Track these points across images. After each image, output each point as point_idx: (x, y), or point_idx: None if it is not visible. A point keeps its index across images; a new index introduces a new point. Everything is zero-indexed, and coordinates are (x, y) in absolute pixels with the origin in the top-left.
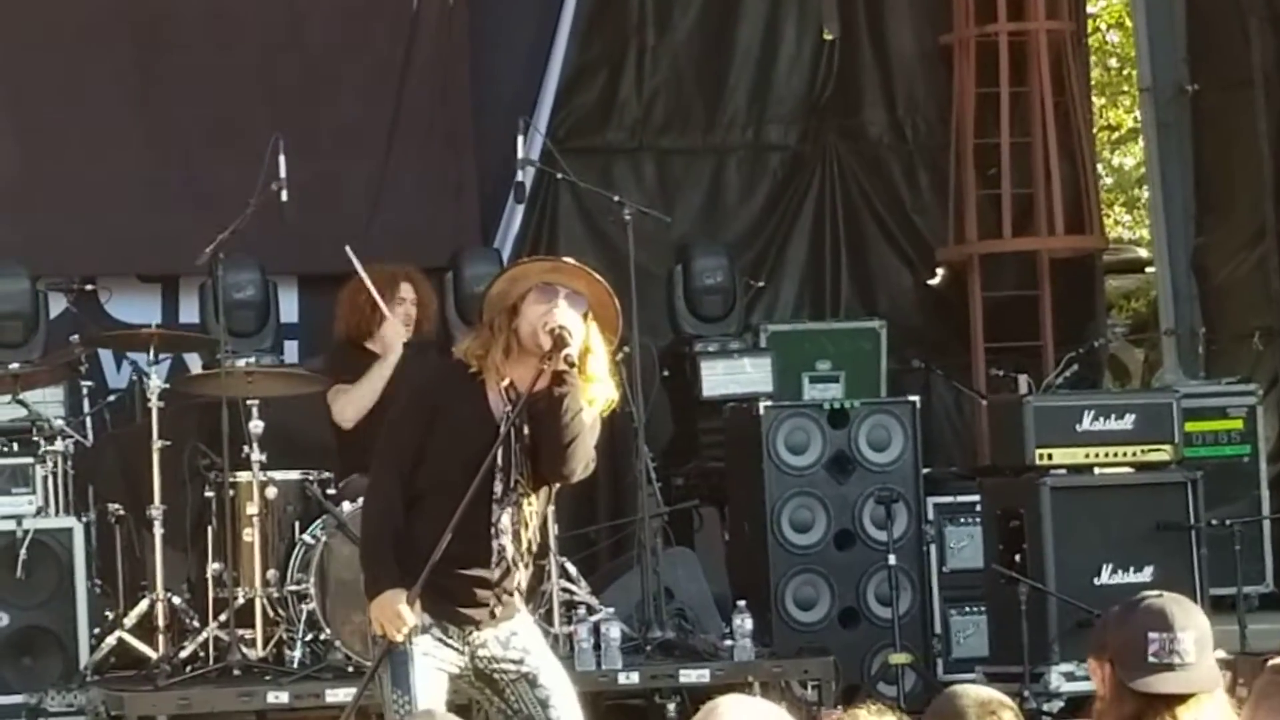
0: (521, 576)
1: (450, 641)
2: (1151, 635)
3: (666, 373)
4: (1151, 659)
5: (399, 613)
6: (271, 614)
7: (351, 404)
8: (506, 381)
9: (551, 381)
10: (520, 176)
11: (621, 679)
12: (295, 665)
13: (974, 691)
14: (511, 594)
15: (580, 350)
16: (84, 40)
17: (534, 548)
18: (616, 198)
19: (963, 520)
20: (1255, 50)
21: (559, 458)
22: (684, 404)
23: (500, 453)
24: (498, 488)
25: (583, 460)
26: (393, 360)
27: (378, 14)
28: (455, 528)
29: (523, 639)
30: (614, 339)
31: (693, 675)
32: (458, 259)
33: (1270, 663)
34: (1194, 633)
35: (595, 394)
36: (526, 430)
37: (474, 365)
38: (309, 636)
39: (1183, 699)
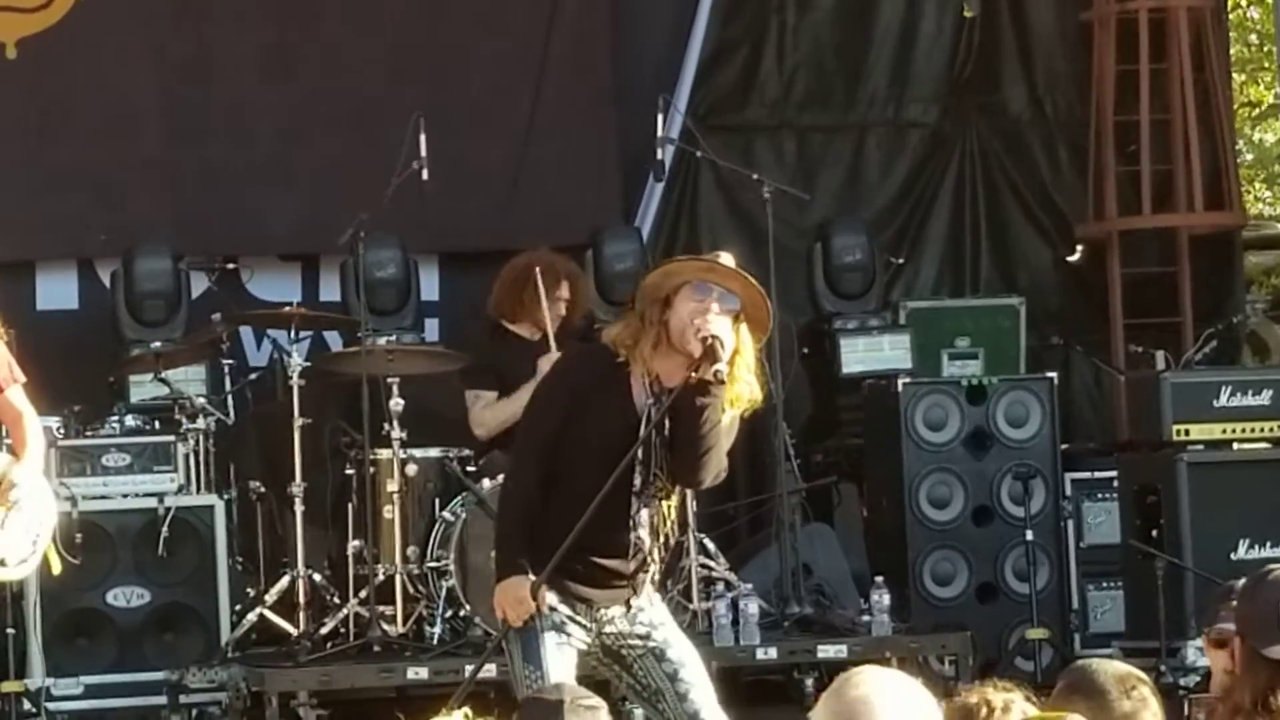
0: (656, 570)
1: (579, 619)
2: None
3: (806, 350)
4: None
5: (522, 599)
6: (411, 590)
7: (491, 419)
8: (652, 375)
9: (696, 389)
10: (660, 155)
11: (759, 654)
12: (435, 641)
13: (1110, 666)
14: (645, 584)
15: (729, 354)
16: (224, 22)
17: (671, 543)
18: (756, 176)
19: (1100, 496)
20: None
21: (692, 465)
22: (823, 381)
23: (641, 447)
24: (637, 480)
25: (714, 470)
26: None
27: (511, 6)
28: (592, 517)
29: (649, 614)
30: (764, 337)
31: (830, 651)
32: (598, 237)
33: None
34: None
35: (739, 394)
36: (667, 428)
37: (621, 354)
38: (448, 613)
39: None
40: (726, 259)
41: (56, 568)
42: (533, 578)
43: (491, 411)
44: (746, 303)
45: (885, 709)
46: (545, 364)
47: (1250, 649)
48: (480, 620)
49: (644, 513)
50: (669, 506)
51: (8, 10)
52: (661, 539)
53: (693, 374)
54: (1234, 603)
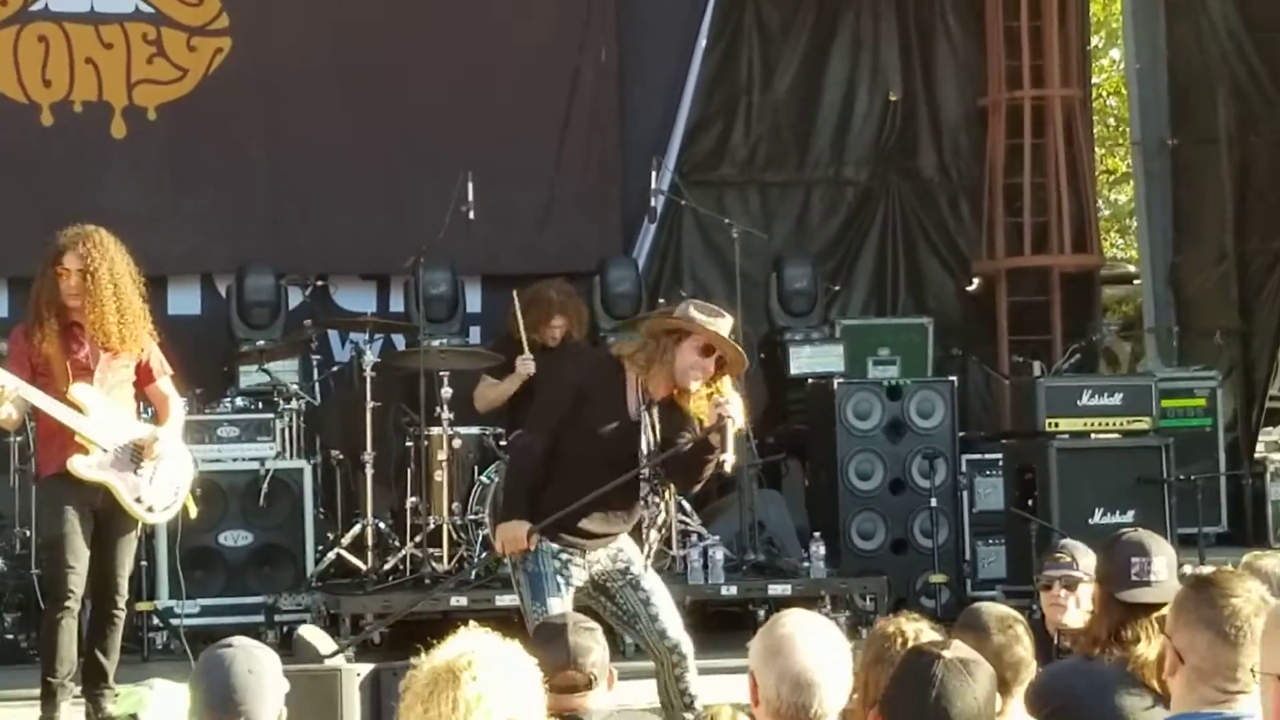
0: (654, 541)
1: (576, 562)
2: (1133, 560)
3: (762, 355)
4: (1133, 578)
5: (518, 538)
6: (455, 537)
7: (483, 399)
8: (644, 387)
9: (703, 450)
10: (654, 202)
11: (723, 591)
12: (473, 576)
13: (994, 609)
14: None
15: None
16: (313, 92)
17: (666, 526)
18: (727, 220)
19: (988, 473)
20: (1221, 114)
21: (683, 486)
22: (775, 380)
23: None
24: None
25: (697, 486)
26: (516, 381)
27: (547, 69)
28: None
29: (626, 552)
30: (738, 374)
31: (778, 589)
32: (604, 265)
33: (1192, 578)
34: (1164, 559)
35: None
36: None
37: (627, 366)
38: (483, 554)
39: (1156, 607)
40: (725, 326)
41: (193, 513)
42: (529, 525)
43: (483, 392)
44: (732, 358)
45: (805, 642)
46: (520, 364)
47: (1106, 593)
48: (508, 561)
49: (649, 497)
50: (668, 494)
51: (150, 82)
52: (659, 522)
53: (705, 434)
54: (1057, 555)
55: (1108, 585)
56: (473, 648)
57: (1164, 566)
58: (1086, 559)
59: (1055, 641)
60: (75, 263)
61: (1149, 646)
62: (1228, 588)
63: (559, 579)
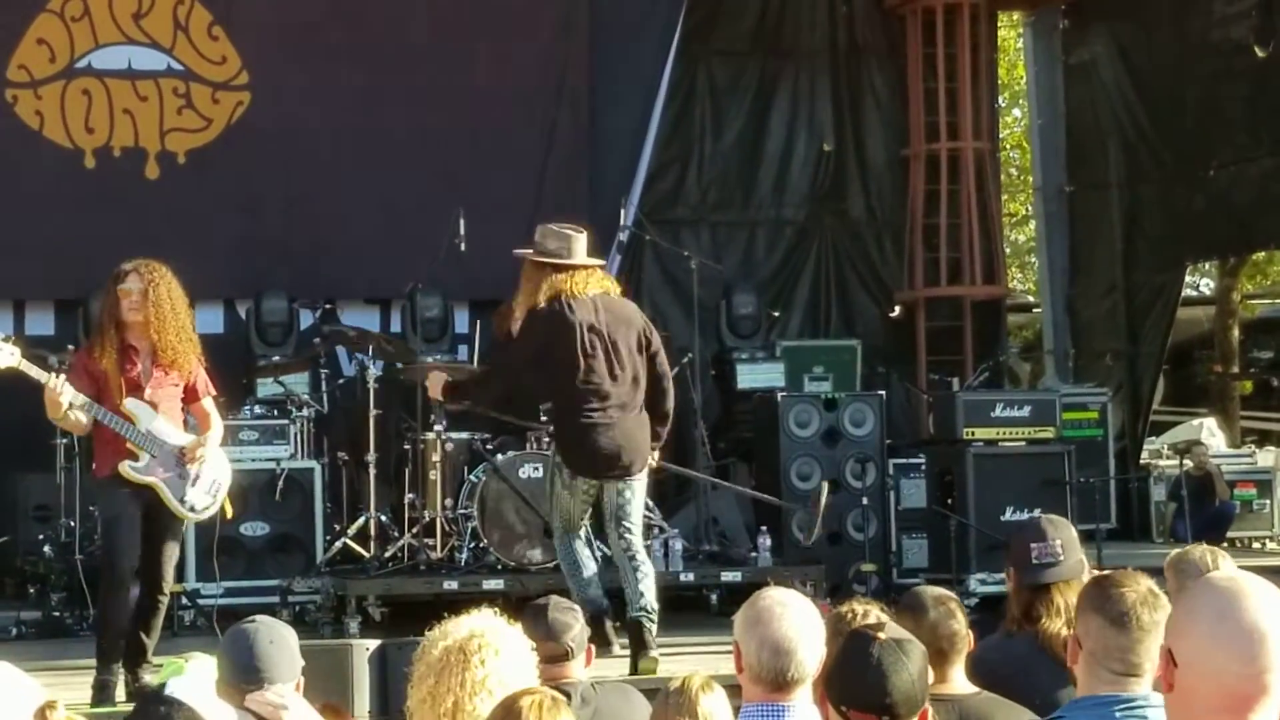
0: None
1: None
2: (1033, 545)
3: (714, 372)
4: (1034, 562)
5: (436, 383)
6: (447, 529)
7: None
8: None
9: None
10: (621, 236)
11: (681, 577)
12: (462, 564)
13: (931, 590)
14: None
15: None
16: (322, 128)
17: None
18: (686, 253)
19: (912, 475)
20: (1112, 165)
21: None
22: (726, 393)
23: None
24: None
25: None
26: None
27: (528, 120)
28: None
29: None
30: None
31: (730, 576)
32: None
33: (1094, 576)
34: (1061, 540)
35: None
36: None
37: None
38: (472, 544)
39: (1063, 582)
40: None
41: (230, 513)
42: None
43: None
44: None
45: (786, 611)
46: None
47: (1017, 577)
48: (493, 550)
49: None
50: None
51: (180, 130)
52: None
53: None
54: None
55: (1017, 571)
56: (484, 630)
57: (1060, 546)
58: None
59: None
60: (137, 283)
61: (1053, 621)
62: (1119, 581)
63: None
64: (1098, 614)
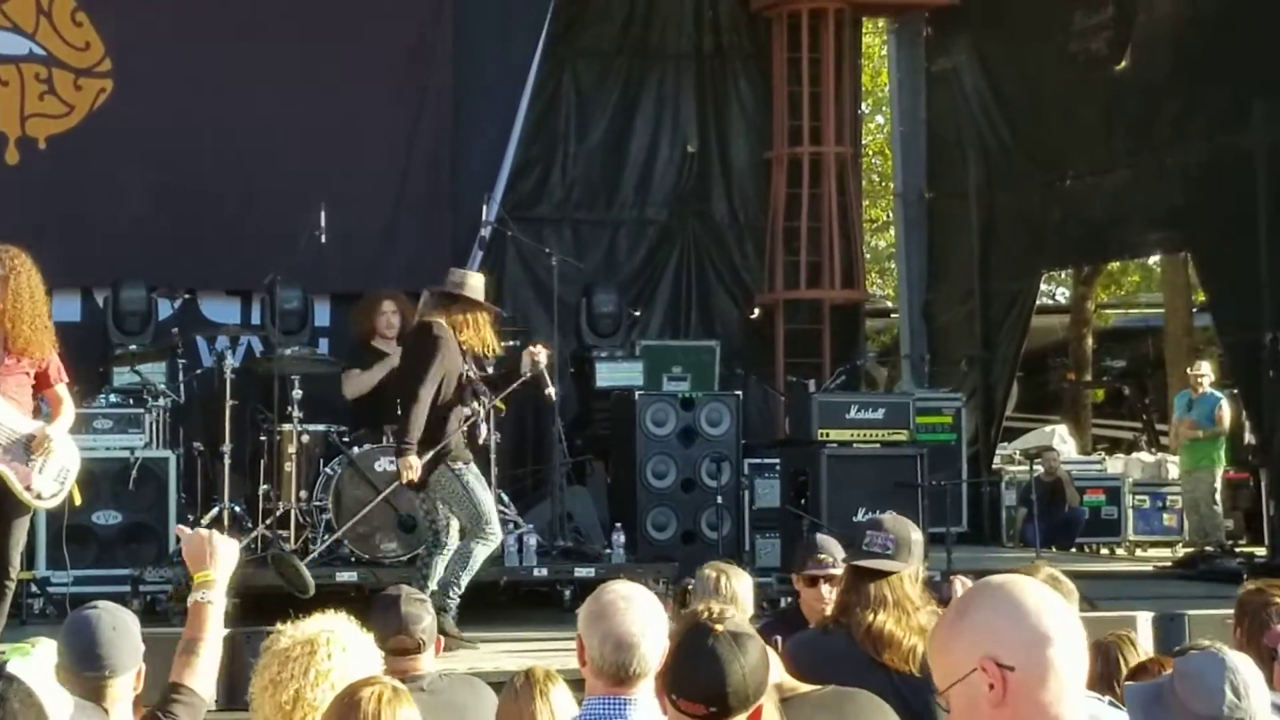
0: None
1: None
2: (869, 532)
3: (573, 370)
4: (865, 547)
5: (412, 465)
6: (301, 520)
7: (354, 388)
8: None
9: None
10: (483, 233)
11: (535, 573)
12: (317, 556)
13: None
14: None
15: None
16: (185, 118)
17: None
18: (548, 250)
19: (767, 475)
20: (971, 173)
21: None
22: (584, 391)
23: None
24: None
25: None
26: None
27: (392, 116)
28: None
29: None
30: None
31: (584, 572)
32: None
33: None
34: (895, 534)
35: None
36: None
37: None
38: (326, 537)
39: (885, 573)
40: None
41: (78, 500)
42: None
43: (353, 382)
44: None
45: (629, 605)
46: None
47: (847, 566)
48: (346, 542)
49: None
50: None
51: (41, 116)
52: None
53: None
54: (821, 557)
55: (849, 552)
56: (334, 628)
57: (893, 542)
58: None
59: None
60: None
61: (869, 615)
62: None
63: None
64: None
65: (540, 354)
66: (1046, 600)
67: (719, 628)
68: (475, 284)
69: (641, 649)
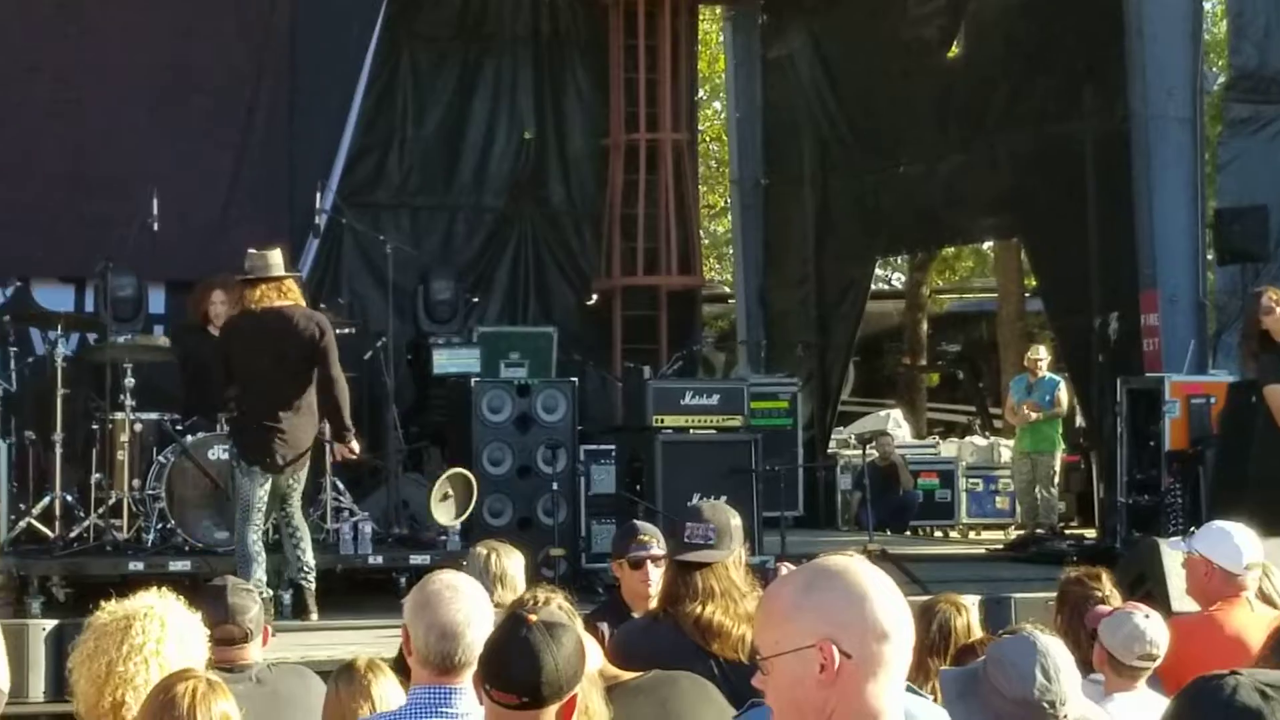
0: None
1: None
2: (688, 525)
3: (410, 357)
4: (686, 540)
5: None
6: (134, 510)
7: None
8: None
9: None
10: (318, 220)
11: (370, 560)
12: (149, 545)
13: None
14: None
15: None
16: (21, 108)
17: None
18: (381, 237)
19: (603, 461)
20: (805, 159)
21: None
22: (421, 378)
23: None
24: None
25: None
26: None
27: (227, 102)
28: None
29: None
30: None
31: (418, 559)
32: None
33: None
34: (715, 524)
35: None
36: None
37: None
38: (159, 526)
39: (709, 564)
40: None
41: None
42: None
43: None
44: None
45: (456, 595)
46: None
47: (669, 559)
48: (180, 531)
49: None
50: None
51: None
52: None
53: None
54: (643, 538)
55: (671, 545)
56: (155, 604)
57: (714, 532)
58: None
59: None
60: None
61: (695, 605)
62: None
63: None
64: None
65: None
66: (889, 593)
67: (533, 618)
68: (276, 260)
69: (467, 638)
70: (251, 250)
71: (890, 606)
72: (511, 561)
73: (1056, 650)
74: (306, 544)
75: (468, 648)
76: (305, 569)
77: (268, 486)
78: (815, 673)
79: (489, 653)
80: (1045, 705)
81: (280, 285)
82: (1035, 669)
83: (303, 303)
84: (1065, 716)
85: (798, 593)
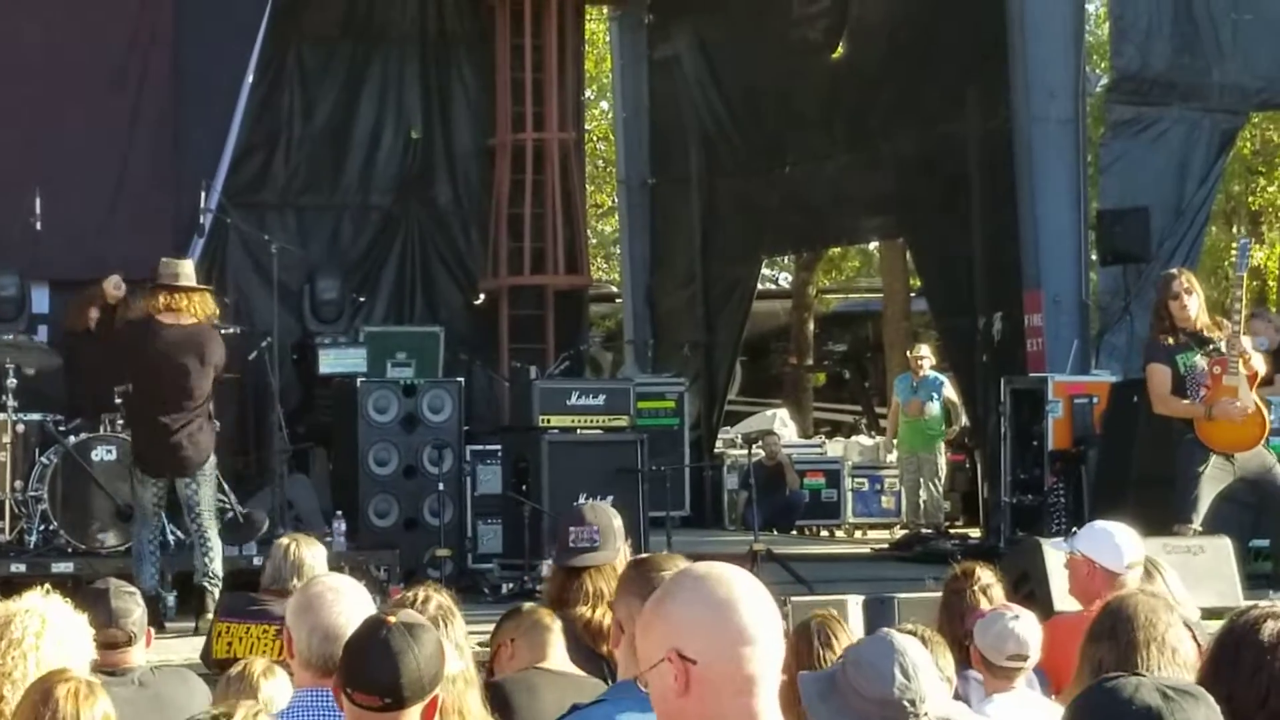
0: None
1: None
2: (571, 529)
3: (295, 356)
4: (570, 545)
5: None
6: (17, 511)
7: None
8: None
9: None
10: (202, 220)
11: (255, 561)
12: (32, 547)
13: None
14: None
15: None
16: None
17: None
18: (267, 237)
19: (489, 461)
20: (691, 159)
21: None
22: (307, 378)
23: None
24: None
25: None
26: None
27: (111, 101)
28: None
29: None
30: None
31: None
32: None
33: (632, 560)
34: (599, 526)
35: None
36: None
37: None
38: (42, 527)
39: (596, 568)
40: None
41: None
42: None
43: None
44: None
45: (338, 598)
46: None
47: (556, 563)
48: (62, 533)
49: None
50: None
51: None
52: None
53: None
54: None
55: (556, 555)
56: (38, 604)
57: (599, 533)
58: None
59: None
60: None
61: (585, 608)
62: (659, 564)
63: None
64: (638, 597)
65: None
66: (751, 599)
67: (392, 619)
68: (186, 270)
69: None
70: (165, 259)
71: (751, 613)
72: (311, 552)
73: (914, 649)
74: (215, 554)
75: None
76: (211, 576)
77: (156, 490)
78: (670, 684)
79: (349, 655)
80: (905, 704)
81: (189, 295)
82: (894, 668)
83: (211, 313)
84: (925, 714)
85: (652, 605)
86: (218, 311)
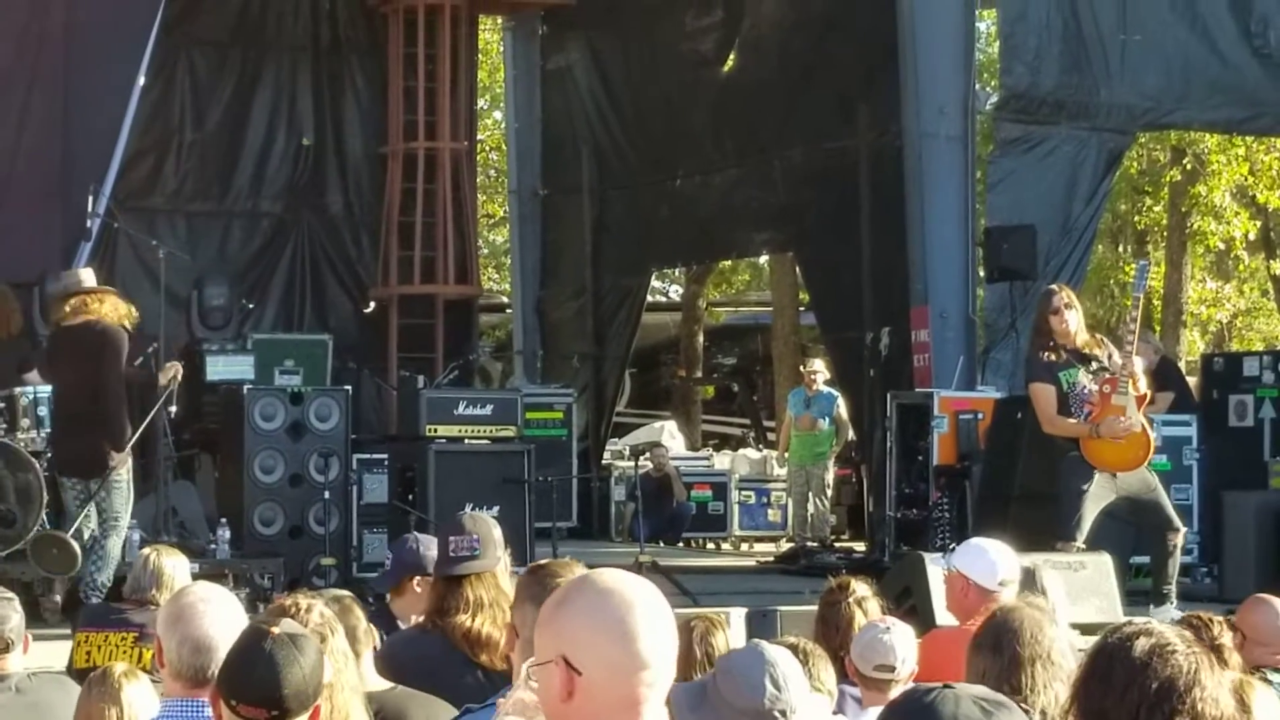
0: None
1: None
2: (451, 539)
3: (184, 362)
4: (450, 554)
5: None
6: None
7: None
8: None
9: None
10: (90, 225)
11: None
12: None
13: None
14: None
15: None
16: None
17: None
18: (155, 242)
19: (376, 470)
20: (584, 170)
21: None
22: (194, 385)
23: None
24: None
25: None
26: None
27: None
28: None
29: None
30: None
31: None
32: (42, 278)
33: (531, 565)
34: (479, 535)
35: None
36: None
37: None
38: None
39: (477, 576)
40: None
41: None
42: None
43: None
44: None
45: (209, 608)
46: None
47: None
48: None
49: None
50: None
51: None
52: None
53: None
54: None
55: (436, 567)
56: None
57: (478, 542)
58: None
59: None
60: None
61: (464, 616)
62: (555, 570)
63: None
64: (533, 602)
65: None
66: (650, 617)
67: (274, 629)
68: (80, 277)
69: (220, 651)
70: (64, 272)
71: (649, 638)
72: (172, 562)
73: (785, 660)
74: (106, 567)
75: (220, 661)
76: (97, 587)
77: (74, 491)
78: (555, 687)
79: (231, 667)
80: (776, 715)
81: (100, 298)
82: (764, 679)
83: (124, 314)
84: None
85: (551, 605)
86: (133, 313)
